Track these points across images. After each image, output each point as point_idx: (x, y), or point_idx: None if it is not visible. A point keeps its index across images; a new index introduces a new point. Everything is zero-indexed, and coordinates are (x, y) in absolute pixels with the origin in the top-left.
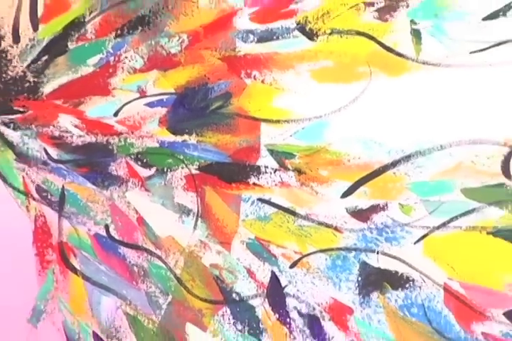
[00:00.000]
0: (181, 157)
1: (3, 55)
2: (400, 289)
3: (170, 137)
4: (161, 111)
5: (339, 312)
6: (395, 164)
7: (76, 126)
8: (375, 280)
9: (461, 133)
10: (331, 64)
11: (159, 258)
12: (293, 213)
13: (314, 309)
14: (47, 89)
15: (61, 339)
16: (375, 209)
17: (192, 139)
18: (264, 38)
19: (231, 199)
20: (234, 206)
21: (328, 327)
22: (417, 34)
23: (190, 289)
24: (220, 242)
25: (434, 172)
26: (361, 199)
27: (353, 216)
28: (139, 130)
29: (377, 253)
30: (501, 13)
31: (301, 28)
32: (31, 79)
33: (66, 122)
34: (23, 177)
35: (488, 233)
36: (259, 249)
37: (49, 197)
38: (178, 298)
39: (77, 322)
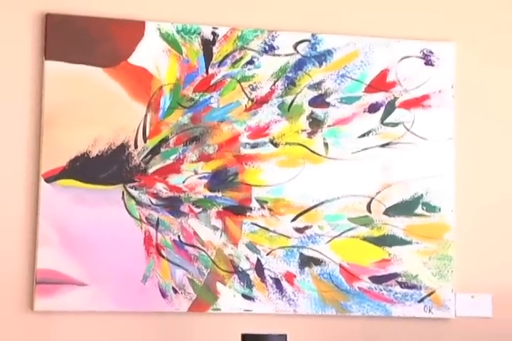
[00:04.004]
0: (214, 203)
1: (130, 155)
2: (318, 266)
3: (209, 193)
4: (205, 181)
5: (289, 277)
6: (316, 206)
7: (164, 188)
8: (307, 261)
9: (347, 191)
10: (285, 158)
11: (204, 251)
12: (267, 229)
13: (277, 275)
14: (151, 170)
15: (156, 290)
16: (306, 227)
17: (219, 194)
18: (254, 146)
19: (238, 223)
20: (239, 226)
21: (284, 284)
22: (326, 144)
23: (218, 265)
24: (232, 243)
25: (335, 210)
26: (300, 223)
27: (297, 231)
28: (194, 190)
29: (307, 248)
30: (366, 135)
31: (271, 142)
32: (143, 166)
33: (160, 186)
34: (139, 212)
35: (360, 239)
36: (252, 247)
37: (151, 222)
38: (212, 270)
39: (164, 282)
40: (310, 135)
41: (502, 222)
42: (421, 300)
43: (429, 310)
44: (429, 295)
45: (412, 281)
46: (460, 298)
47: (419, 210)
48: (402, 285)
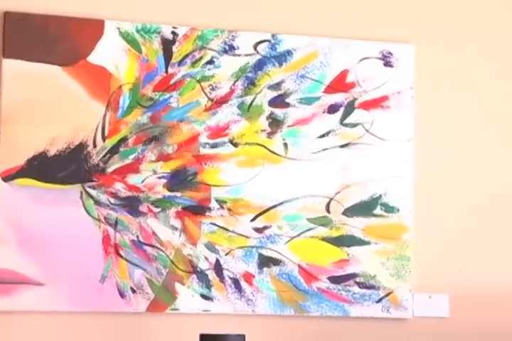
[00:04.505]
0: (173, 202)
1: (89, 154)
2: (277, 266)
3: (168, 193)
4: (164, 181)
5: (248, 277)
6: (275, 206)
7: (123, 188)
8: (266, 262)
9: (306, 192)
10: (245, 158)
11: (162, 251)
12: (226, 229)
13: (236, 275)
14: (109, 170)
15: (114, 290)
16: (265, 227)
17: (178, 194)
18: (213, 146)
19: (197, 223)
20: (198, 226)
21: (243, 284)
22: (285, 144)
23: (177, 265)
24: (191, 243)
25: (294, 210)
26: (259, 223)
27: (256, 231)
28: (153, 190)
29: (266, 249)
30: (325, 135)
31: (230, 142)
32: (101, 165)
33: (118, 186)
34: (97, 212)
35: (319, 239)
36: (210, 247)
37: (110, 221)
38: (171, 270)
39: (122, 282)
40: (269, 135)
41: (459, 223)
42: (379, 301)
43: (387, 310)
44: (387, 295)
45: (370, 281)
46: (418, 298)
47: (377, 211)
48: (360, 285)
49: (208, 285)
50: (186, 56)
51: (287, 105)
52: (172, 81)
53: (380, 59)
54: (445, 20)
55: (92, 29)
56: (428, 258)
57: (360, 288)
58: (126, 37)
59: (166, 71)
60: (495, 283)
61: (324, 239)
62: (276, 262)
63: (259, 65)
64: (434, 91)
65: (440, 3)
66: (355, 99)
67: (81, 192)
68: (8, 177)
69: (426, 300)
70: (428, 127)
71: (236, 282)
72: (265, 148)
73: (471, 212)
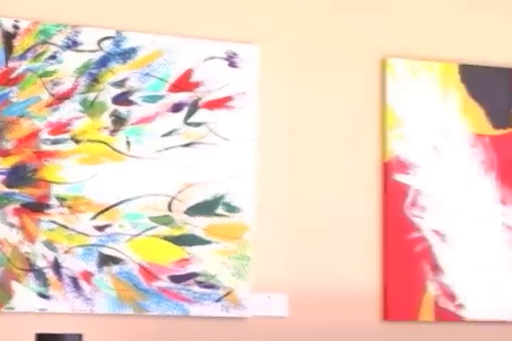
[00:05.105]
0: (11, 199)
1: None
2: (117, 265)
3: (6, 189)
4: (2, 177)
5: (87, 276)
6: (117, 204)
7: None
8: (105, 260)
9: (148, 190)
10: (86, 155)
11: None
12: (66, 227)
13: (75, 274)
14: None
15: None
16: (106, 225)
17: (17, 191)
18: (54, 142)
19: (35, 220)
20: (36, 223)
21: (81, 283)
22: (128, 142)
23: (13, 263)
24: (29, 241)
25: (135, 209)
26: (100, 221)
27: (96, 229)
28: None
29: (107, 247)
30: (169, 134)
31: (72, 138)
32: None
33: None
34: None
35: (161, 238)
36: (49, 244)
37: None
38: (7, 268)
39: None
40: (112, 133)
41: (300, 224)
42: (219, 300)
43: (227, 310)
44: (226, 294)
45: (210, 281)
46: (256, 297)
47: (219, 210)
48: (200, 284)
49: (46, 284)
50: (28, 50)
51: (131, 103)
52: (12, 75)
53: (225, 59)
54: (290, 22)
55: None
56: (268, 257)
57: (200, 287)
58: None
59: (6, 65)
60: (333, 284)
61: (166, 238)
62: (116, 261)
63: (103, 62)
64: (278, 93)
65: (285, 5)
66: (199, 99)
67: None
68: None
69: (265, 300)
70: (271, 128)
71: (74, 281)
72: (108, 145)
73: (311, 213)
